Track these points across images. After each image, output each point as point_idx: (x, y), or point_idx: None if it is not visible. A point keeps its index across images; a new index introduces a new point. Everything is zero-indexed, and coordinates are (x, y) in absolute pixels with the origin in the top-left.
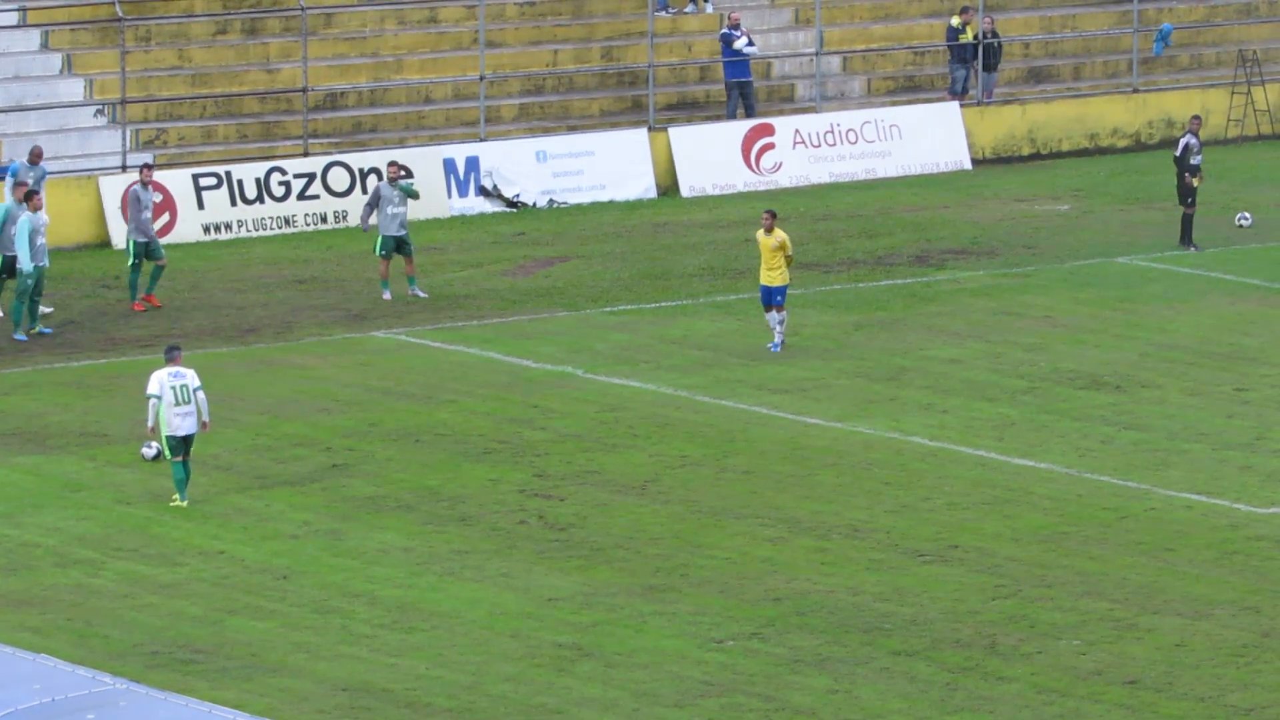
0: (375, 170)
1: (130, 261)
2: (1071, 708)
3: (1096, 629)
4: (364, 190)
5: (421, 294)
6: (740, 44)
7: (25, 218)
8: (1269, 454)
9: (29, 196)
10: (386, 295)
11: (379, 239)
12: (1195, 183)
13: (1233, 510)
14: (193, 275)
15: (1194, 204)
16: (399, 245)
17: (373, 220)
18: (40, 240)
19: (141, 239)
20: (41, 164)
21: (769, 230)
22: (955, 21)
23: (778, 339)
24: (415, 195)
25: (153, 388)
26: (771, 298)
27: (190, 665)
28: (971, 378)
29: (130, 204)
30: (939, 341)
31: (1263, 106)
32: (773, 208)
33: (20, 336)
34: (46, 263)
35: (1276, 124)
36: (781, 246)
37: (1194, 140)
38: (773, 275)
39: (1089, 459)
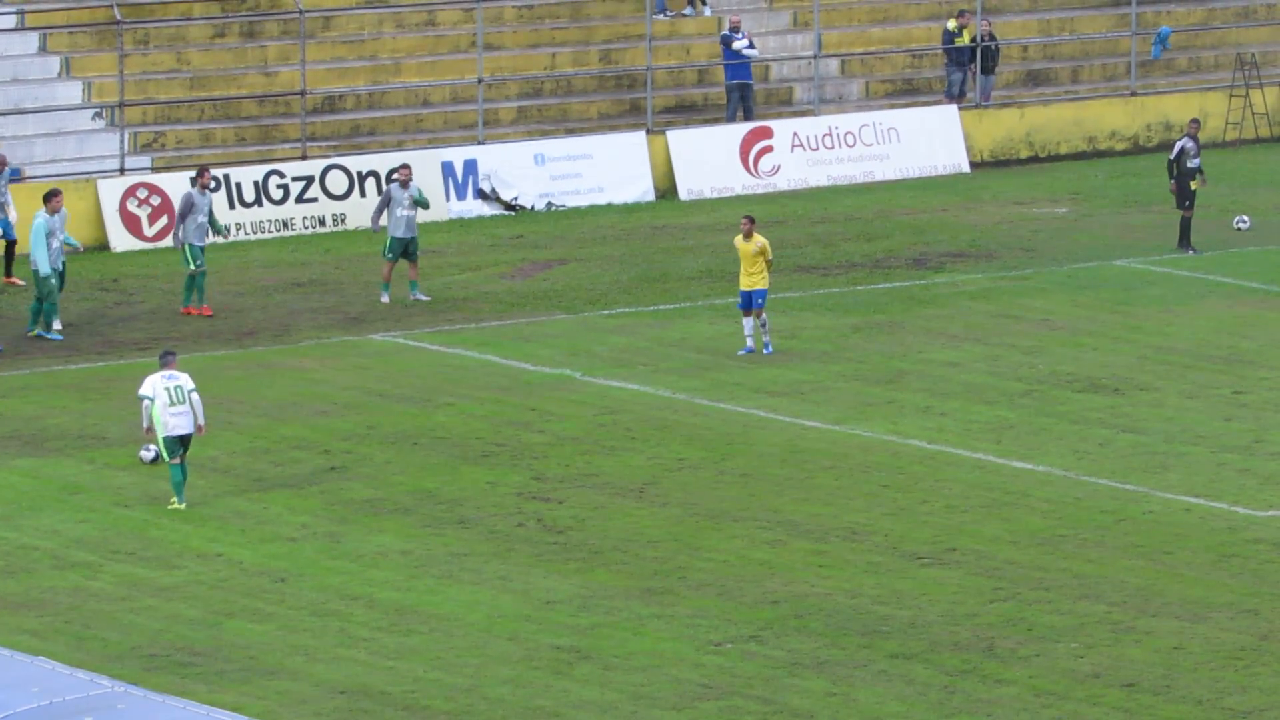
0: (374, 173)
1: (190, 267)
2: (1070, 710)
3: (1094, 632)
4: (363, 193)
5: (424, 297)
6: (739, 45)
7: (41, 220)
8: (1267, 457)
9: (48, 198)
10: (385, 298)
11: (387, 240)
12: (1194, 186)
13: (1231, 513)
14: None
15: (1192, 207)
16: (405, 249)
17: (383, 221)
18: (55, 243)
19: (198, 243)
20: (6, 169)
21: (748, 236)
22: (951, 25)
23: (765, 340)
24: (425, 205)
25: (145, 389)
26: (751, 301)
27: (188, 668)
28: (970, 380)
29: (183, 206)
30: (937, 344)
31: (1261, 109)
32: (755, 213)
33: (55, 334)
34: (61, 266)
35: (1275, 127)
36: (761, 252)
37: (1191, 143)
38: (752, 279)
39: (1087, 462)
